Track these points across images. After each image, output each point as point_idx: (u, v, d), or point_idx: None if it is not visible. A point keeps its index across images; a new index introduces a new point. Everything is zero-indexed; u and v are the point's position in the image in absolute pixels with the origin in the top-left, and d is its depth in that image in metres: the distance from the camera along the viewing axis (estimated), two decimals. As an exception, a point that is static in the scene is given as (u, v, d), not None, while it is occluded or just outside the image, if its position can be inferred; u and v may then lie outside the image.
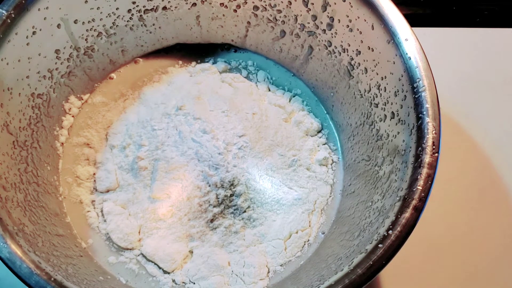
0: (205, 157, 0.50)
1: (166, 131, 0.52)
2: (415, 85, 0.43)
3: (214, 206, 0.50)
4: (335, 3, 0.49)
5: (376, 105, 0.49)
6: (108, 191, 0.53)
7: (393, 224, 0.39)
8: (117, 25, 0.55)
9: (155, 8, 0.56)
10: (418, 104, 0.42)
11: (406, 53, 0.44)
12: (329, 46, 0.53)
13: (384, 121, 0.47)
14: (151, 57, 0.61)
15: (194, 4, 0.56)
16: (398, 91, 0.45)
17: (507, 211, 0.58)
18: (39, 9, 0.46)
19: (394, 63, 0.45)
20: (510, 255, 0.56)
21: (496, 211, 0.58)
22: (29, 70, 0.48)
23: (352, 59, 0.51)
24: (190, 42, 0.62)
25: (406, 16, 0.45)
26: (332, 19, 0.50)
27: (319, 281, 0.40)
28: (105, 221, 0.52)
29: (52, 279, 0.38)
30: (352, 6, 0.47)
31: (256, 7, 0.55)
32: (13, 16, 0.44)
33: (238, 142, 0.51)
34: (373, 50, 0.47)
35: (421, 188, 0.40)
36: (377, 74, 0.48)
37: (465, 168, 0.60)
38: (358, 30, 0.48)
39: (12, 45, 0.45)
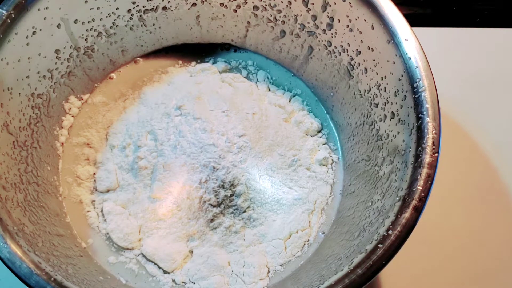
0: (205, 157, 0.50)
1: (166, 131, 0.52)
2: (415, 85, 0.43)
3: (214, 206, 0.50)
4: (335, 3, 0.49)
5: (376, 105, 0.49)
6: (108, 191, 0.53)
7: (393, 224, 0.39)
8: (117, 25, 0.55)
9: (155, 8, 0.56)
10: (418, 104, 0.42)
11: (406, 53, 0.44)
12: (329, 46, 0.53)
13: (384, 121, 0.47)
14: (151, 57, 0.61)
15: (194, 4, 0.56)
16: (398, 91, 0.45)
17: (507, 211, 0.58)
18: (39, 9, 0.46)
19: (394, 63, 0.45)
20: (510, 255, 0.56)
21: (496, 211, 0.58)
22: (29, 70, 0.48)
23: (352, 59, 0.51)
24: (190, 42, 0.62)
25: (406, 16, 0.45)
26: (332, 19, 0.50)
27: (319, 281, 0.40)
28: (105, 221, 0.52)
29: (52, 279, 0.38)
30: (352, 6, 0.47)
31: (256, 7, 0.55)
32: (13, 16, 0.44)
33: (238, 142, 0.51)
34: (373, 50, 0.47)
35: (421, 188, 0.40)
36: (377, 74, 0.48)
37: (465, 168, 0.60)
38: (358, 30, 0.48)
39: (12, 45, 0.45)
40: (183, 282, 0.49)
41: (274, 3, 0.54)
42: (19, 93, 0.47)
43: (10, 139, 0.46)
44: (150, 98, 0.57)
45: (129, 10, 0.55)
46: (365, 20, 0.47)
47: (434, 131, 0.41)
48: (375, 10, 0.45)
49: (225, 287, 0.49)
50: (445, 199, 0.58)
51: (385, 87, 0.47)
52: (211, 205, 0.50)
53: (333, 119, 0.58)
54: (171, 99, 0.55)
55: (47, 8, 0.47)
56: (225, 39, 0.61)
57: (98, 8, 0.52)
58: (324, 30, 0.52)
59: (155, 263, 0.50)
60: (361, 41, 0.48)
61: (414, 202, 0.39)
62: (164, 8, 0.56)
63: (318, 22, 0.52)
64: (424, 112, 0.41)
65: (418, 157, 0.41)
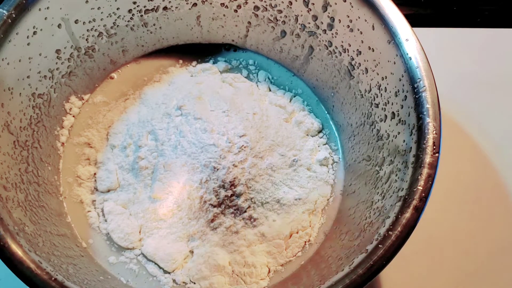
0: (205, 157, 0.50)
1: (167, 131, 0.52)
2: (415, 85, 0.43)
3: (215, 206, 0.50)
4: (336, 3, 0.49)
5: (377, 105, 0.49)
6: (108, 191, 0.53)
7: (394, 224, 0.39)
8: (117, 25, 0.55)
9: (155, 8, 0.56)
10: (418, 104, 0.42)
11: (407, 53, 0.44)
12: (330, 46, 0.53)
13: (384, 121, 0.47)
14: (152, 57, 0.61)
15: (195, 4, 0.56)
16: (398, 91, 0.45)
17: (507, 211, 0.58)
18: (39, 9, 0.46)
19: (394, 63, 0.45)
20: (510, 255, 0.56)
21: (496, 211, 0.58)
22: (30, 70, 0.48)
23: (352, 59, 0.51)
24: (191, 42, 0.62)
25: (407, 16, 0.45)
26: (332, 19, 0.50)
27: (319, 281, 0.40)
28: (105, 221, 0.52)
29: (53, 279, 0.38)
30: (352, 6, 0.47)
31: (256, 7, 0.55)
32: (14, 16, 0.44)
33: (239, 142, 0.51)
34: (373, 50, 0.47)
35: (421, 188, 0.40)
36: (378, 74, 0.48)
37: (465, 168, 0.60)
38: (358, 30, 0.48)
39: (13, 45, 0.45)
40: (183, 282, 0.49)
41: (274, 3, 0.54)
42: (20, 93, 0.47)
43: (11, 139, 0.46)
44: (150, 98, 0.57)
45: (129, 10, 0.55)
46: (365, 20, 0.47)
47: (434, 131, 0.41)
48: (375, 10, 0.45)
49: (226, 287, 0.49)
50: (446, 199, 0.58)
51: (385, 87, 0.47)
52: (212, 205, 0.50)
53: (333, 119, 0.58)
54: (172, 99, 0.55)
55: (48, 8, 0.47)
56: (225, 39, 0.61)
57: (98, 8, 0.52)
58: (324, 30, 0.52)
59: (155, 263, 0.50)
60: (362, 41, 0.48)
61: (414, 202, 0.39)
62: (165, 8, 0.56)
63: (319, 22, 0.52)
64: (425, 112, 0.41)
65: (418, 157, 0.41)
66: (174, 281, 0.50)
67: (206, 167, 0.50)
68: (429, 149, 0.40)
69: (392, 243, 0.39)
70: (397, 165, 0.44)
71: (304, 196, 0.53)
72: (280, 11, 0.54)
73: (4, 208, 0.41)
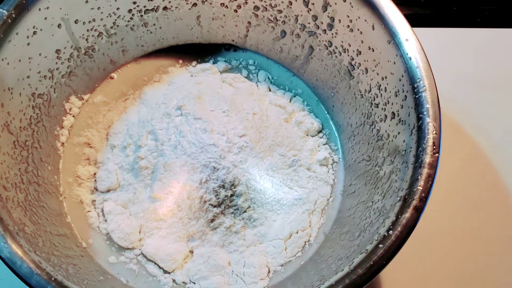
0: (205, 157, 0.50)
1: (167, 131, 0.52)
2: (415, 85, 0.43)
3: (215, 206, 0.50)
4: (336, 3, 0.49)
5: (377, 105, 0.49)
6: (108, 191, 0.53)
7: (394, 224, 0.39)
8: (117, 25, 0.55)
9: (155, 8, 0.56)
10: (418, 104, 0.42)
11: (407, 53, 0.44)
12: (330, 46, 0.53)
13: (384, 121, 0.47)
14: (152, 57, 0.61)
15: (195, 4, 0.56)
16: (398, 91, 0.45)
17: (507, 211, 0.58)
18: (39, 9, 0.46)
19: (394, 63, 0.45)
20: (510, 255, 0.56)
21: (496, 211, 0.58)
22: (30, 70, 0.48)
23: (352, 59, 0.51)
24: (191, 42, 0.62)
25: (407, 16, 0.45)
26: (332, 19, 0.50)
27: (319, 281, 0.40)
28: (105, 221, 0.52)
29: (53, 279, 0.38)
30: (352, 6, 0.47)
31: (256, 7, 0.55)
32: (13, 16, 0.44)
33: (239, 142, 0.51)
34: (373, 50, 0.47)
35: (421, 188, 0.40)
36: (378, 74, 0.48)
37: (465, 168, 0.60)
38: (358, 30, 0.48)
39: (13, 45, 0.45)
40: (183, 282, 0.49)
41: (274, 3, 0.54)
42: (20, 93, 0.47)
43: (10, 139, 0.46)
44: (150, 98, 0.57)
45: (129, 10, 0.55)
46: (365, 20, 0.47)
47: (434, 131, 0.41)
48: (375, 10, 0.45)
49: (226, 287, 0.49)
50: (446, 199, 0.58)
51: (385, 87, 0.47)
52: (212, 205, 0.50)
53: (333, 119, 0.58)
54: (172, 99, 0.55)
55: (47, 8, 0.47)
56: (225, 39, 0.61)
57: (98, 8, 0.52)
58: (324, 30, 0.52)
59: (155, 263, 0.50)
60: (362, 41, 0.48)
61: (414, 202, 0.39)
62: (165, 8, 0.56)
63: (319, 22, 0.52)
64: (425, 112, 0.41)
65: (418, 157, 0.41)
66: (174, 281, 0.50)
67: (206, 167, 0.50)
68: (429, 149, 0.40)
69: (392, 243, 0.39)
70: (397, 165, 0.44)
71: (304, 196, 0.53)
72: (280, 11, 0.54)
73: (4, 208, 0.41)
